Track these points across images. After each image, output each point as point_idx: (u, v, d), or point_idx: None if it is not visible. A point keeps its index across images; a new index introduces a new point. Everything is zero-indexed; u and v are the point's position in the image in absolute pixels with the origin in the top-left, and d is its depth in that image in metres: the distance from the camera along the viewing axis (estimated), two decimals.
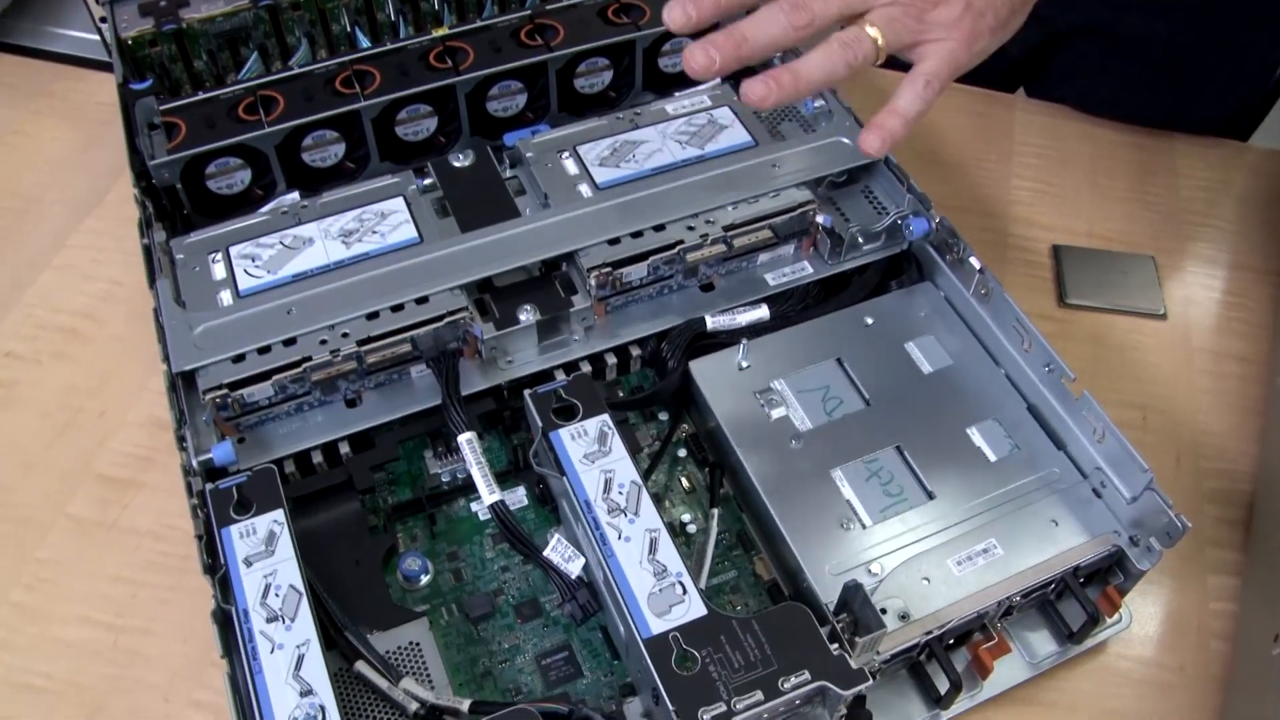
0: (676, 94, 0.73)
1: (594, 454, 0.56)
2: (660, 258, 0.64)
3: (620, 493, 0.54)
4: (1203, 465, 0.67)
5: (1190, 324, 0.74)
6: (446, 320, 0.61)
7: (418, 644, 0.55)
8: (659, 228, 0.64)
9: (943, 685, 0.56)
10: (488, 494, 0.56)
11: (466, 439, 0.57)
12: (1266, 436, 0.68)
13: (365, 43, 0.81)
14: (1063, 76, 0.89)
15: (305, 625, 0.50)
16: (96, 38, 0.85)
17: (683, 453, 0.64)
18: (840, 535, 0.58)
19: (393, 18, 0.82)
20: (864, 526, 0.58)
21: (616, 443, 0.56)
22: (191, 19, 0.77)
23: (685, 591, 0.51)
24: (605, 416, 0.57)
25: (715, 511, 0.60)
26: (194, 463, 0.57)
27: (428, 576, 0.59)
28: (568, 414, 0.57)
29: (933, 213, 0.66)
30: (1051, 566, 0.57)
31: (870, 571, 0.56)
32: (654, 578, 0.52)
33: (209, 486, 0.55)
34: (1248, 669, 0.59)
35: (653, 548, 0.53)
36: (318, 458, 0.61)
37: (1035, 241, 0.78)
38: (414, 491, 0.62)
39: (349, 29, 0.82)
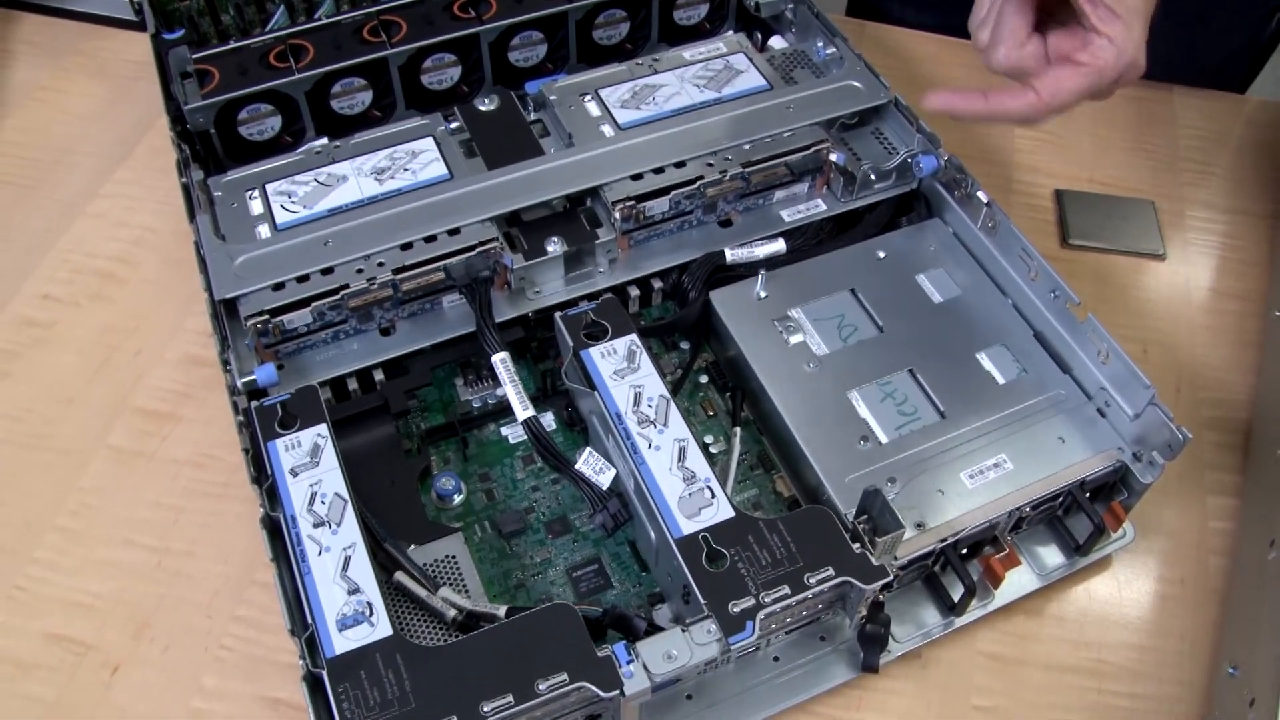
0: (694, 43, 0.76)
1: (623, 370, 0.58)
2: (681, 192, 0.66)
3: (649, 405, 0.57)
4: (1201, 395, 0.70)
5: (1189, 264, 0.77)
6: (478, 250, 0.63)
7: (454, 557, 0.58)
8: (680, 164, 0.67)
9: (956, 592, 0.58)
10: (521, 410, 0.58)
11: (501, 358, 0.60)
12: (1263, 365, 0.71)
13: None
14: None
15: (350, 529, 0.53)
16: None
17: (704, 379, 0.67)
18: (858, 451, 0.60)
19: None
20: (880, 443, 0.60)
21: (645, 360, 0.59)
22: None
23: (714, 495, 0.54)
24: (633, 335, 0.59)
25: (737, 430, 0.63)
26: (238, 383, 0.59)
27: (461, 496, 0.62)
28: (598, 334, 0.60)
29: (941, 150, 0.69)
30: (1059, 480, 0.59)
31: (888, 482, 0.59)
32: (683, 483, 0.54)
33: (254, 404, 0.58)
34: (1246, 578, 0.62)
35: (681, 455, 0.55)
36: (353, 384, 0.63)
37: (1038, 187, 0.80)
38: (446, 416, 0.64)
39: None
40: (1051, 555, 0.62)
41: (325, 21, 0.76)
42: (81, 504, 0.64)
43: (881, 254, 0.69)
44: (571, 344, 0.59)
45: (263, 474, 0.55)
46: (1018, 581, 0.61)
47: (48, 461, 0.66)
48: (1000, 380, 0.63)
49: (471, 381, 0.66)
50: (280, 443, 0.56)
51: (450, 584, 0.56)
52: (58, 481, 0.65)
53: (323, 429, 0.56)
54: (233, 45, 0.75)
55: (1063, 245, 0.77)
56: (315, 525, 0.53)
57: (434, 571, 0.57)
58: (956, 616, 0.59)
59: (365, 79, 0.75)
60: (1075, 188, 0.80)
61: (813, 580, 0.51)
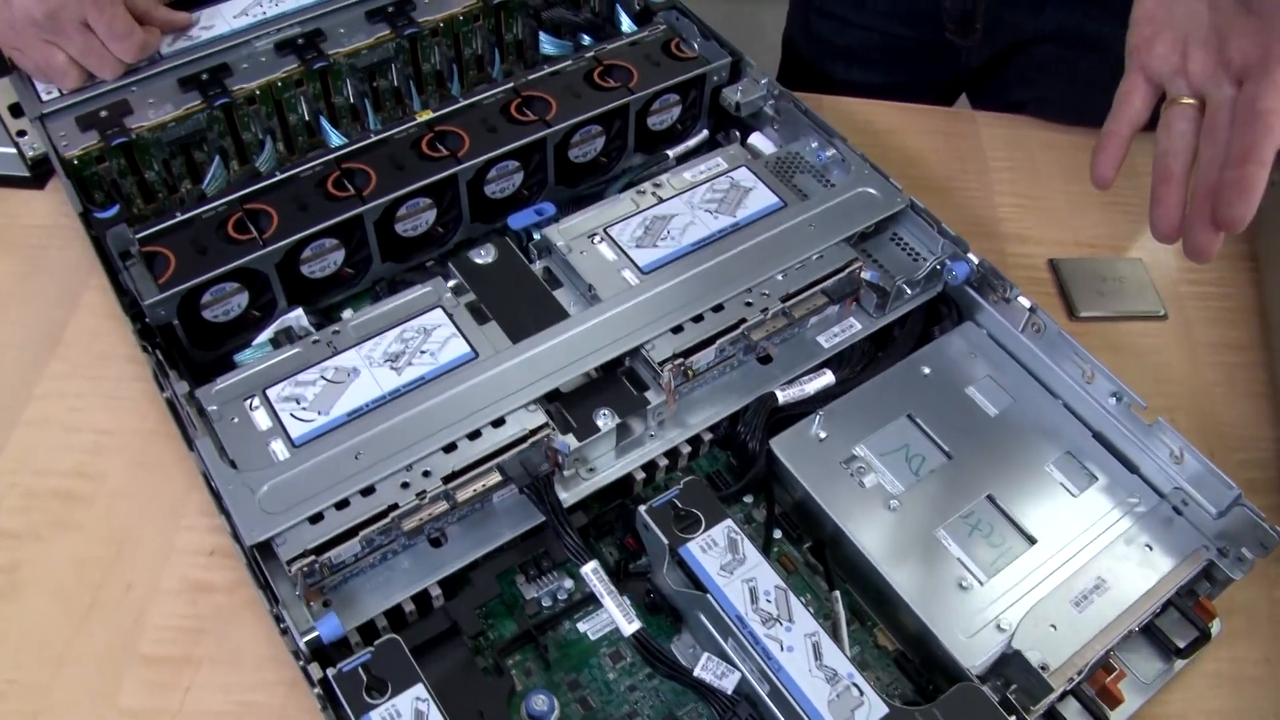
0: (692, 161, 0.71)
1: (730, 564, 0.54)
2: (726, 339, 0.62)
3: (769, 600, 0.53)
4: (1234, 458, 0.71)
5: (1188, 319, 0.78)
6: (530, 441, 0.58)
7: None
8: (717, 308, 0.63)
9: None
10: (627, 625, 0.53)
11: (592, 568, 0.54)
12: None
13: (331, 134, 0.75)
14: (1018, 84, 0.91)
15: None
16: (3, 149, 0.77)
17: (777, 534, 0.63)
18: (960, 595, 0.58)
19: (351, 99, 0.77)
20: (980, 583, 0.58)
21: (749, 548, 0.55)
22: (141, 128, 0.70)
23: (862, 693, 0.51)
24: (729, 522, 0.55)
25: (837, 595, 0.60)
26: (301, 646, 0.52)
27: (555, 714, 0.56)
28: (691, 525, 0.55)
29: (970, 255, 0.67)
30: (1160, 592, 0.59)
31: (999, 628, 0.57)
32: (827, 684, 0.51)
33: (331, 672, 0.51)
34: None
35: (817, 653, 0.52)
36: (409, 606, 0.57)
37: (1030, 257, 0.80)
38: (517, 622, 0.59)
39: (306, 118, 0.76)
40: (1148, 662, 0.62)
41: (280, 178, 0.68)
42: None
43: (926, 370, 0.66)
44: (666, 541, 0.55)
45: None
46: (1128, 696, 0.60)
47: None
48: (1075, 492, 0.62)
49: (533, 577, 0.60)
50: (376, 716, 0.49)
51: None
52: None
53: (419, 690, 0.50)
54: (180, 218, 0.66)
55: (1071, 319, 0.77)
56: None
57: None
58: None
59: (336, 238, 0.67)
60: (1065, 253, 0.80)
61: None
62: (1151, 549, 0.60)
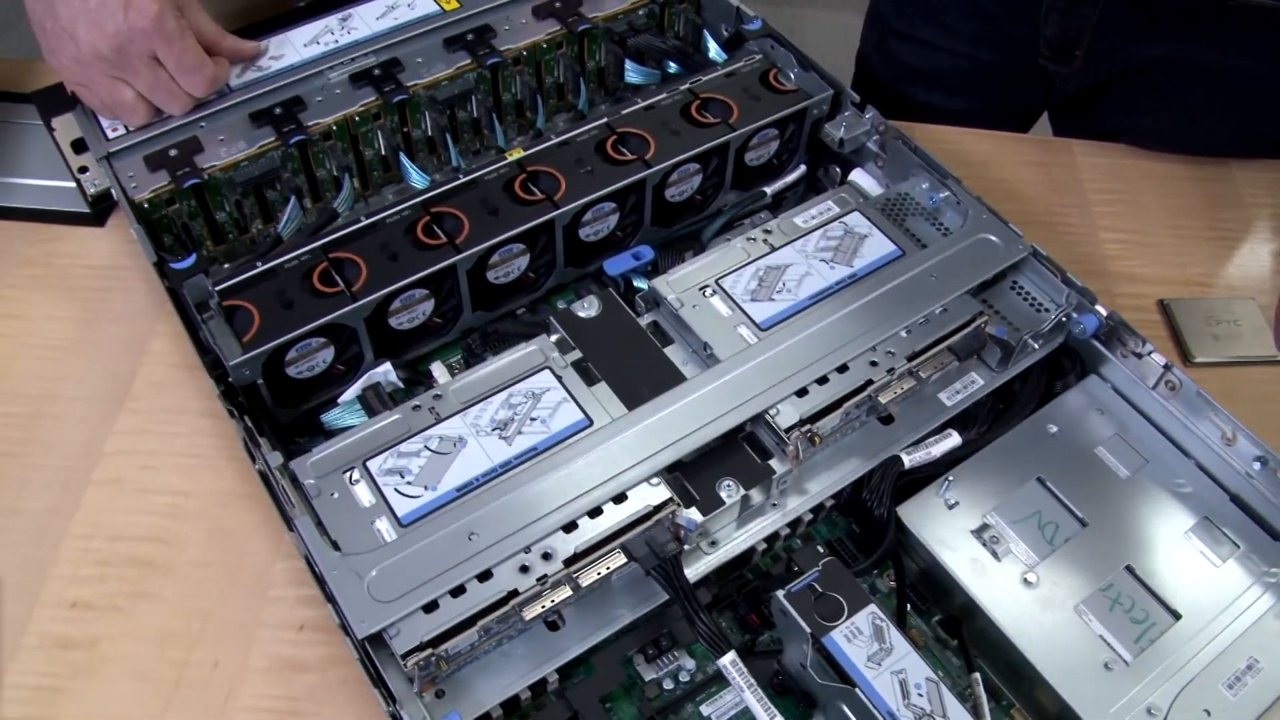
0: (801, 205, 0.67)
1: (877, 654, 0.51)
2: (852, 403, 0.58)
3: (920, 694, 0.50)
4: None
5: None
6: (655, 518, 0.54)
7: None
8: (841, 368, 0.59)
9: None
10: None
11: (730, 660, 0.51)
12: None
13: (411, 170, 0.71)
14: (1115, 112, 0.87)
15: None
16: (62, 184, 0.73)
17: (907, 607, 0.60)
18: (1106, 676, 0.55)
19: (430, 132, 0.73)
20: (1126, 664, 0.55)
21: (895, 636, 0.51)
22: (213, 169, 0.66)
23: None
24: (873, 607, 0.52)
25: (977, 677, 0.56)
26: None
27: None
28: (833, 612, 0.52)
29: (1098, 306, 0.63)
30: None
31: (1149, 712, 0.54)
32: None
33: None
34: None
35: None
36: (525, 694, 0.53)
37: (1140, 299, 0.76)
38: (639, 707, 0.55)
39: (383, 153, 0.72)
40: None
41: (366, 223, 0.64)
42: None
43: (1053, 429, 0.63)
44: (808, 630, 0.51)
45: None
46: None
47: None
48: (1218, 562, 0.59)
49: (652, 657, 0.57)
50: None
51: None
52: None
53: None
54: (261, 268, 0.62)
55: (1186, 364, 0.73)
56: None
57: None
58: None
59: (426, 288, 0.63)
60: (1175, 293, 0.76)
61: None
62: None
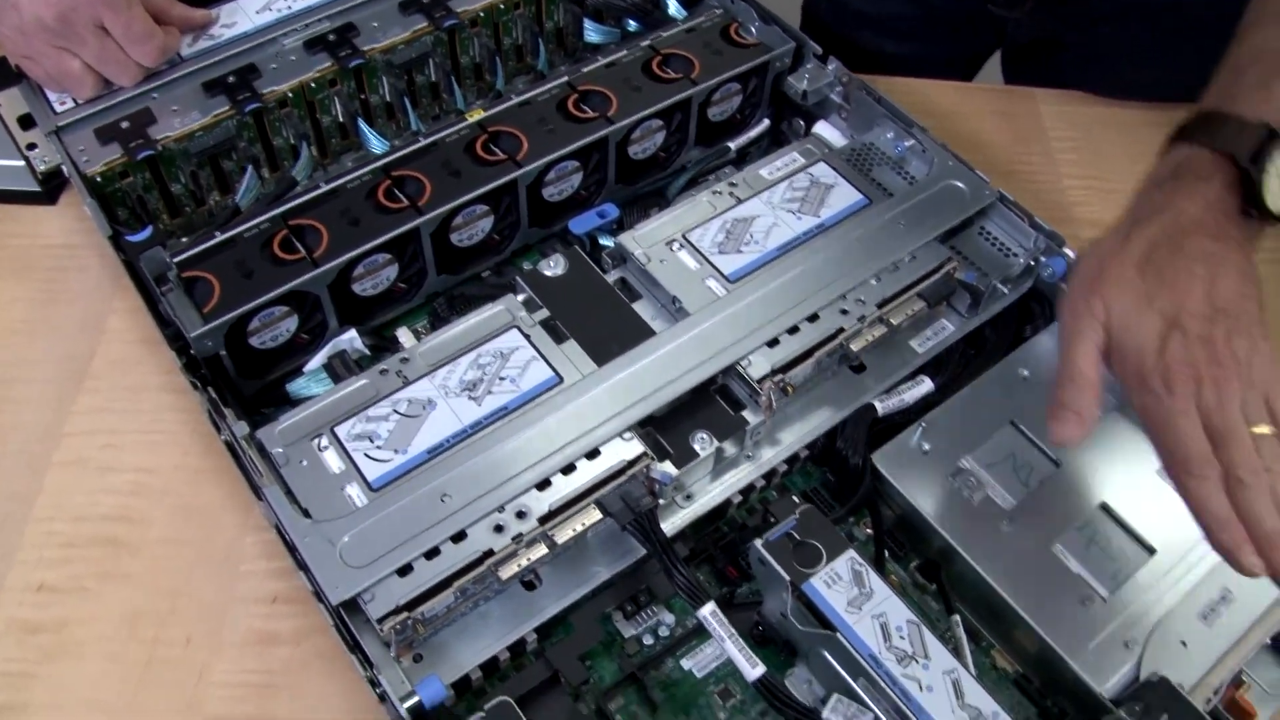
0: (767, 157, 0.67)
1: (857, 599, 0.50)
2: (823, 351, 0.58)
3: (902, 636, 0.50)
4: None
5: (1268, 300, 0.75)
6: (629, 473, 0.53)
7: None
8: (812, 317, 0.59)
9: None
10: (750, 669, 0.49)
11: (710, 611, 0.50)
12: None
13: (370, 136, 0.70)
14: (1072, 62, 0.87)
15: None
16: (10, 162, 0.71)
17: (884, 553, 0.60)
18: (1083, 612, 0.55)
19: (388, 98, 0.72)
20: (1103, 600, 0.55)
21: (875, 580, 0.51)
22: (166, 139, 0.65)
23: None
24: (852, 553, 0.52)
25: (957, 619, 0.56)
26: (403, 713, 0.48)
27: None
28: (811, 559, 0.51)
29: (1065, 249, 0.63)
30: None
31: (1126, 645, 0.54)
32: None
33: None
34: None
35: (958, 691, 0.48)
36: (504, 655, 0.53)
37: None
38: (619, 664, 0.55)
39: (340, 120, 0.71)
40: (1269, 670, 0.59)
41: (325, 189, 0.63)
42: None
43: (1025, 372, 0.63)
44: (788, 578, 0.51)
45: None
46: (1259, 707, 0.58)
47: None
48: None
49: (631, 613, 0.56)
50: None
51: None
52: None
53: None
54: (220, 238, 0.60)
55: None
56: None
57: None
58: None
59: (390, 253, 0.62)
60: None
61: None
62: None
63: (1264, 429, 0.50)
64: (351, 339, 0.63)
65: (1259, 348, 0.52)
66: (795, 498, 0.55)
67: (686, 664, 0.56)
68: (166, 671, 0.57)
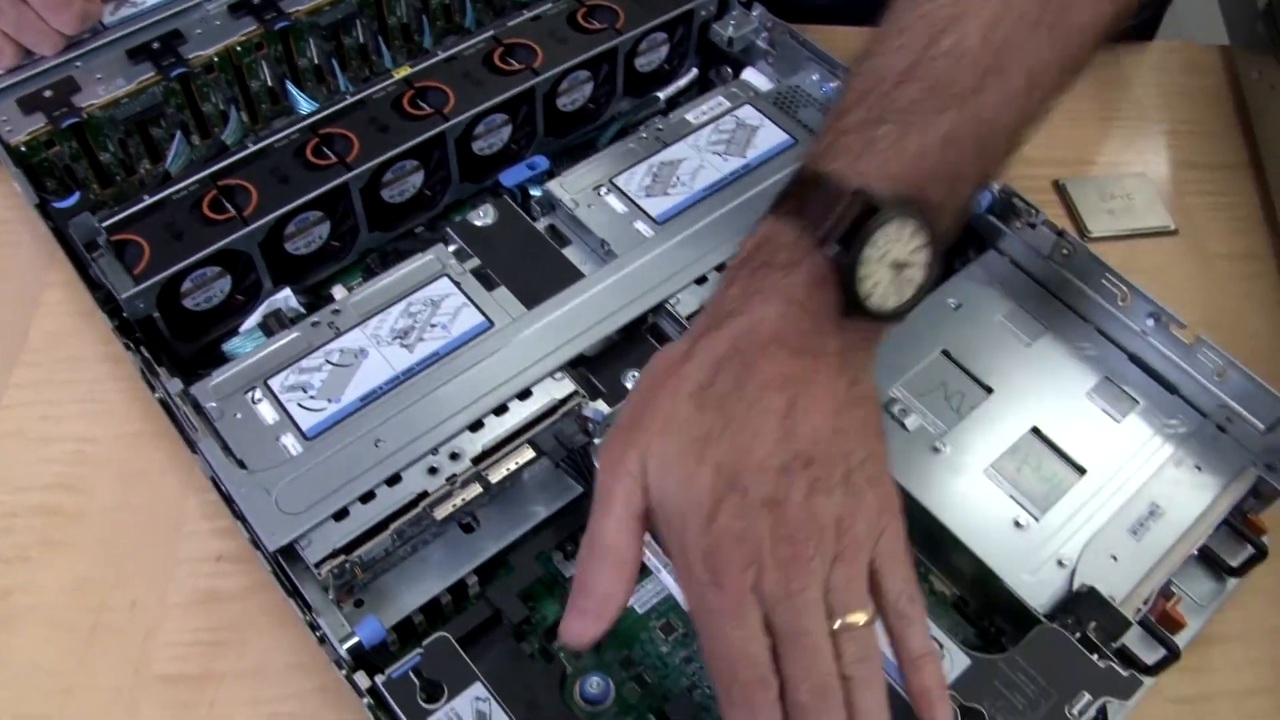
0: (692, 102, 0.67)
1: None
2: None
3: None
4: (1261, 369, 0.70)
5: (1198, 233, 0.76)
6: (561, 411, 0.54)
7: None
8: None
9: (1150, 655, 0.56)
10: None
11: (645, 540, 0.51)
12: None
13: (299, 99, 0.70)
14: None
15: None
16: None
17: None
18: (1017, 533, 0.56)
19: (316, 60, 0.72)
20: (1036, 519, 0.57)
21: None
22: (91, 107, 0.64)
23: (943, 645, 0.48)
24: None
25: None
26: (343, 654, 0.48)
27: (611, 695, 0.53)
28: None
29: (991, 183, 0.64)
30: (1216, 513, 0.57)
31: (1060, 563, 0.55)
32: None
33: (381, 680, 0.47)
34: None
35: None
36: (445, 597, 0.53)
37: (1037, 180, 0.77)
38: (560, 603, 0.56)
39: (269, 84, 0.71)
40: (1199, 583, 0.60)
41: (253, 149, 0.63)
42: None
43: (953, 302, 0.64)
44: None
45: None
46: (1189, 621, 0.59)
47: None
48: (1117, 418, 0.60)
49: (572, 553, 0.57)
50: None
51: None
52: None
53: (478, 690, 0.47)
54: (148, 201, 0.60)
55: (1082, 239, 0.74)
56: None
57: None
58: (1151, 677, 0.57)
59: (320, 210, 0.63)
60: (1070, 173, 0.78)
61: (1075, 711, 0.47)
62: (1201, 470, 0.59)
63: (858, 616, 0.39)
64: (286, 297, 0.63)
65: (860, 501, 0.40)
66: None
67: (630, 601, 0.56)
68: (112, 635, 0.57)
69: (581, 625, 0.40)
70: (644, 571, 0.56)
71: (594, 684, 0.53)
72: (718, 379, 0.40)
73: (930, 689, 0.40)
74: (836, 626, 0.38)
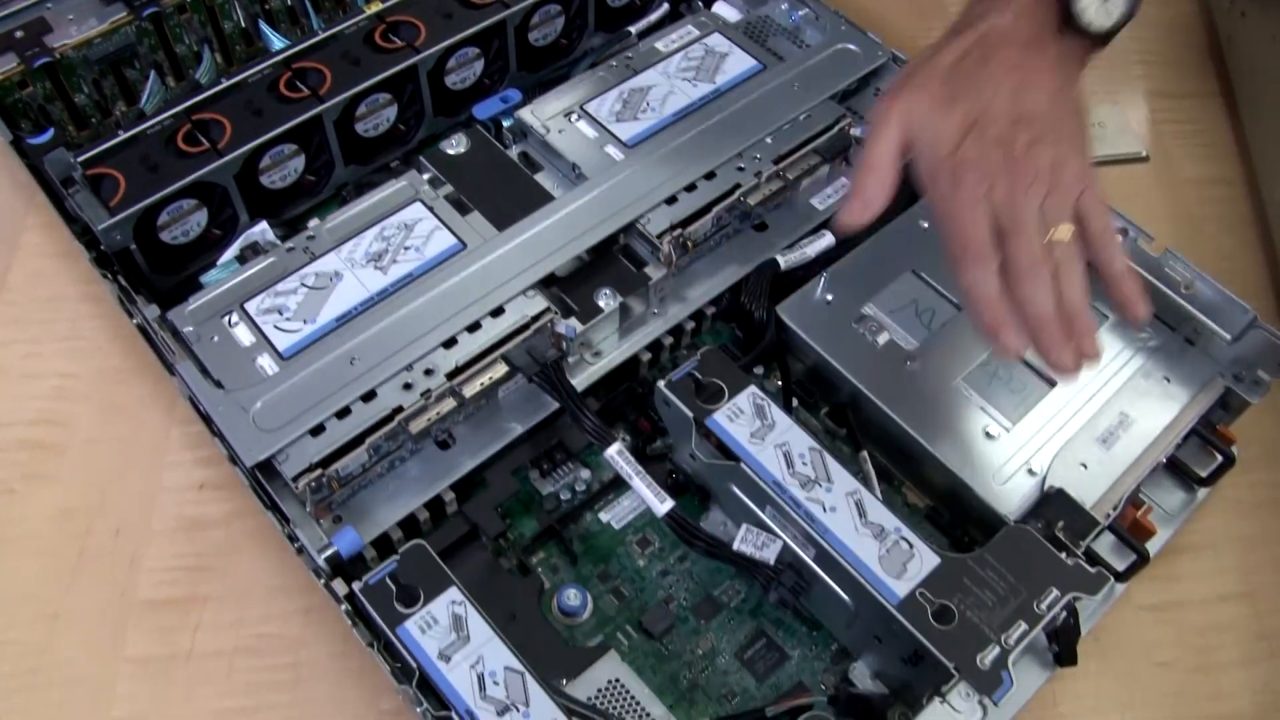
0: (661, 32, 0.68)
1: (759, 430, 0.52)
2: (722, 206, 0.59)
3: (804, 463, 0.51)
4: (1235, 287, 0.70)
5: (1170, 160, 0.77)
6: (534, 327, 0.55)
7: (618, 680, 0.51)
8: (709, 175, 0.60)
9: (1121, 562, 0.56)
10: (660, 505, 0.51)
11: (616, 450, 0.52)
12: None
13: (272, 37, 0.70)
14: None
15: (543, 706, 0.45)
16: None
17: (793, 402, 0.61)
18: (988, 444, 0.57)
19: (288, 0, 0.72)
20: (1007, 430, 0.57)
21: (777, 412, 0.53)
22: (64, 47, 0.65)
23: (911, 545, 0.49)
24: (753, 388, 0.53)
25: (865, 455, 0.58)
26: (321, 563, 0.49)
27: (589, 607, 0.54)
28: (714, 395, 0.53)
29: None
30: (1183, 423, 0.58)
31: (1030, 471, 0.56)
32: (875, 540, 0.49)
33: (357, 586, 0.48)
34: None
35: (861, 510, 0.50)
36: (423, 514, 0.54)
37: None
38: (538, 519, 0.56)
39: (242, 24, 0.71)
40: (1170, 494, 0.61)
41: (227, 84, 0.63)
42: None
43: (925, 224, 0.64)
44: (691, 414, 0.52)
45: (408, 665, 0.46)
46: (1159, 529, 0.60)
47: (57, 700, 0.54)
48: None
49: (548, 471, 0.58)
50: (412, 624, 0.47)
51: (629, 711, 0.49)
52: None
53: (454, 594, 0.48)
54: (123, 136, 0.61)
55: None
56: (501, 713, 0.45)
57: (605, 703, 0.50)
58: (1121, 583, 0.58)
59: (295, 143, 0.63)
60: None
61: (1043, 607, 0.48)
62: (1169, 381, 0.59)
63: (1064, 232, 0.49)
64: (263, 231, 0.63)
65: (1068, 160, 0.50)
66: None
67: (605, 517, 0.57)
68: (97, 562, 0.58)
69: (856, 209, 0.51)
70: (621, 489, 0.57)
71: (571, 596, 0.54)
72: (965, 60, 0.52)
73: (1135, 290, 0.50)
74: (1046, 240, 0.48)
